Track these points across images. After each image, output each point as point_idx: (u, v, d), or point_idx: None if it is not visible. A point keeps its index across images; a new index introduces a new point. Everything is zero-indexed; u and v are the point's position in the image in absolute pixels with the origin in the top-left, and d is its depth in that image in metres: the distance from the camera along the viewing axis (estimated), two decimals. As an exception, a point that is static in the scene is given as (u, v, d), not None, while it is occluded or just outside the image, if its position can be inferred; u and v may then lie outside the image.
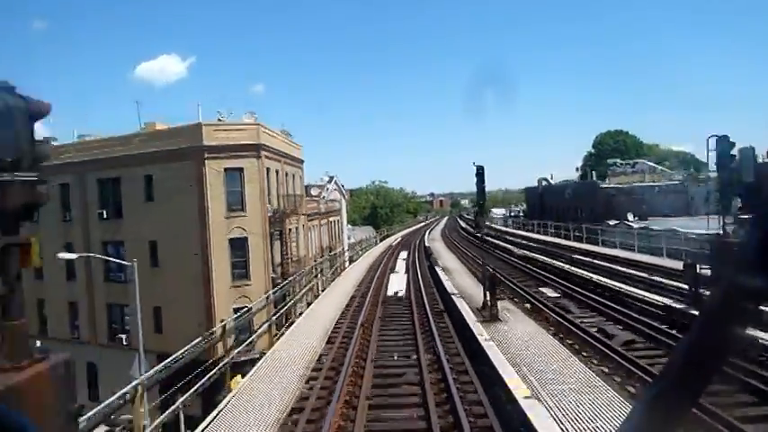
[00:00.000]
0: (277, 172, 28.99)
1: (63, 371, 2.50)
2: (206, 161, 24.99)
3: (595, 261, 22.25)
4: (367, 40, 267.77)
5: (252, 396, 9.37)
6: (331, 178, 68.16)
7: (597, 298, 15.53)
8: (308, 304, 20.15)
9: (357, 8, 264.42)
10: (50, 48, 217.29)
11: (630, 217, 38.94)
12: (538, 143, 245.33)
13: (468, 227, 63.47)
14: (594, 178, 51.81)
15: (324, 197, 54.80)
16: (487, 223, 76.52)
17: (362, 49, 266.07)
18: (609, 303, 14.62)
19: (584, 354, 10.55)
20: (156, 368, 12.89)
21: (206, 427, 7.96)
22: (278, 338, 15.68)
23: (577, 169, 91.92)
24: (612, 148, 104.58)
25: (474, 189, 29.73)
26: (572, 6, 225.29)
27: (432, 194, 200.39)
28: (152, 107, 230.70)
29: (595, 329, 12.22)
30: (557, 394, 7.91)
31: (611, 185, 45.95)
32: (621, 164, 55.21)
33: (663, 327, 11.80)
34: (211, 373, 13.14)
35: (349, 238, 55.39)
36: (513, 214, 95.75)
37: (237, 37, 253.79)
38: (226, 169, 25.43)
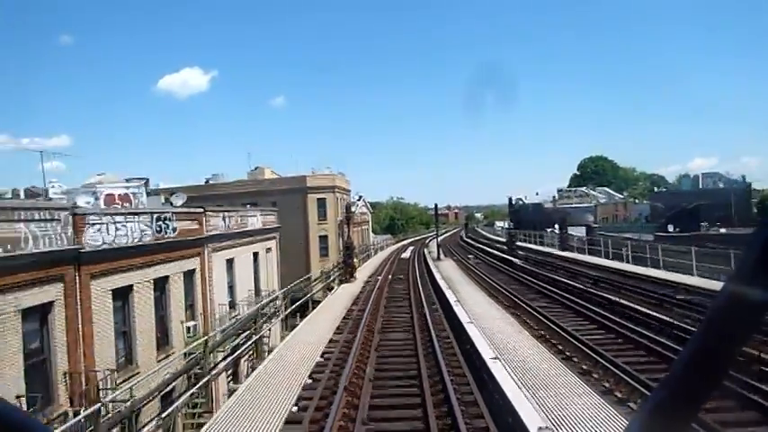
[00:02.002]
0: (342, 198, 53.78)
1: None
2: (308, 194, 49.77)
3: (502, 246, 46.35)
4: (387, 55, 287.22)
5: (363, 269, 33.92)
6: (360, 197, 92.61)
7: (484, 256, 39.81)
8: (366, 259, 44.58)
9: (376, 23, 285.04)
10: (76, 61, 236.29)
11: (557, 227, 62.58)
12: (550, 152, 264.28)
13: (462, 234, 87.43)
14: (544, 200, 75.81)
15: (356, 211, 79.37)
16: (482, 231, 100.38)
17: (382, 64, 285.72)
18: (486, 257, 38.86)
19: (460, 268, 34.75)
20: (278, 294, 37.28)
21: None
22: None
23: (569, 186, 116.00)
24: (593, 171, 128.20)
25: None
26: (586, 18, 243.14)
27: (448, 207, 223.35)
28: (174, 119, 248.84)
29: (471, 263, 36.48)
30: (451, 277, 32.17)
31: (550, 206, 69.87)
32: (567, 190, 78.88)
33: (493, 260, 36.08)
34: (315, 291, 37.32)
35: (373, 242, 79.94)
36: (508, 226, 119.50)
37: (259, 51, 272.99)
38: (318, 199, 50.22)
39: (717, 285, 19.02)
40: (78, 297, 12.76)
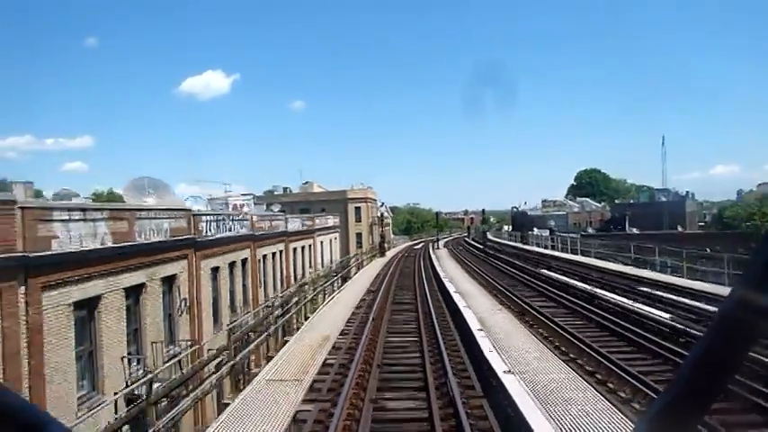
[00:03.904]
0: (371, 206, 75.51)
1: None
2: (348, 203, 71.53)
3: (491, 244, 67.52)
4: (409, 60, 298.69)
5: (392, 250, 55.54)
6: (382, 204, 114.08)
7: (470, 248, 61.05)
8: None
9: (394, 28, 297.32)
10: (101, 63, 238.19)
11: (536, 230, 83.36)
12: (567, 158, 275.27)
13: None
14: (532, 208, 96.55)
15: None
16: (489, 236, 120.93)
17: (403, 69, 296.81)
18: (470, 248, 60.06)
19: (450, 253, 55.98)
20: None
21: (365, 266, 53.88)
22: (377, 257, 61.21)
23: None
24: (587, 182, 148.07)
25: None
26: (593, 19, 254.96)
27: (465, 212, 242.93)
28: (195, 121, 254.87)
29: (457, 251, 57.74)
30: (441, 256, 53.49)
31: (534, 213, 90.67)
32: (550, 201, 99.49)
33: (475, 250, 57.33)
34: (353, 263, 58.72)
35: (393, 239, 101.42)
36: (509, 229, 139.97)
37: (280, 55, 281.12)
38: (355, 207, 71.93)
39: (572, 256, 39.82)
40: (285, 251, 34.47)
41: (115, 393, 12.60)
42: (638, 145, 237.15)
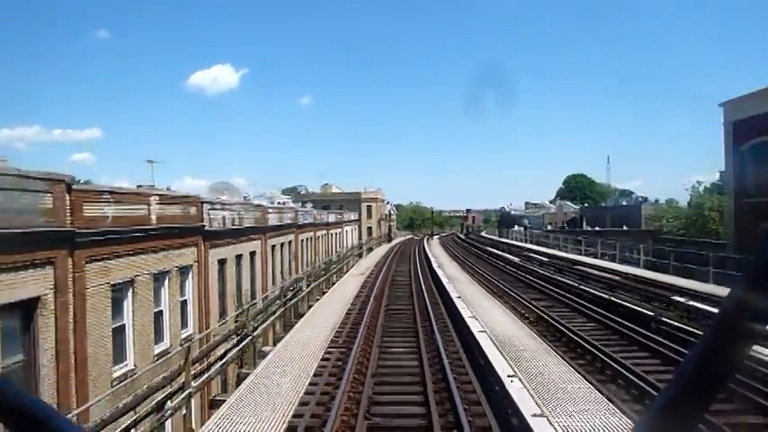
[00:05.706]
0: (380, 205, 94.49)
1: None
2: (362, 203, 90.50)
3: (472, 236, 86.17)
4: (417, 59, 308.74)
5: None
6: (389, 203, 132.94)
7: (460, 241, 79.82)
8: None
9: (402, 26, 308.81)
10: (111, 55, 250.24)
11: (516, 227, 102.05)
12: (569, 158, 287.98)
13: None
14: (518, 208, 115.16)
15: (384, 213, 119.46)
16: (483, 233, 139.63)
17: (411, 68, 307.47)
18: (460, 242, 78.80)
19: (440, 243, 74.60)
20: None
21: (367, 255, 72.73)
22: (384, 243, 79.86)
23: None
24: (573, 186, 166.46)
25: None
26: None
27: (468, 210, 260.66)
28: (202, 114, 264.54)
29: (447, 242, 76.47)
30: (432, 244, 72.19)
31: (517, 213, 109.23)
32: (532, 203, 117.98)
33: (459, 240, 76.06)
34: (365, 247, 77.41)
35: (396, 232, 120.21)
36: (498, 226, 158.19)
37: (289, 51, 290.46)
38: (367, 206, 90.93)
39: (522, 243, 58.23)
40: (327, 235, 53.40)
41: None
42: (640, 149, 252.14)
